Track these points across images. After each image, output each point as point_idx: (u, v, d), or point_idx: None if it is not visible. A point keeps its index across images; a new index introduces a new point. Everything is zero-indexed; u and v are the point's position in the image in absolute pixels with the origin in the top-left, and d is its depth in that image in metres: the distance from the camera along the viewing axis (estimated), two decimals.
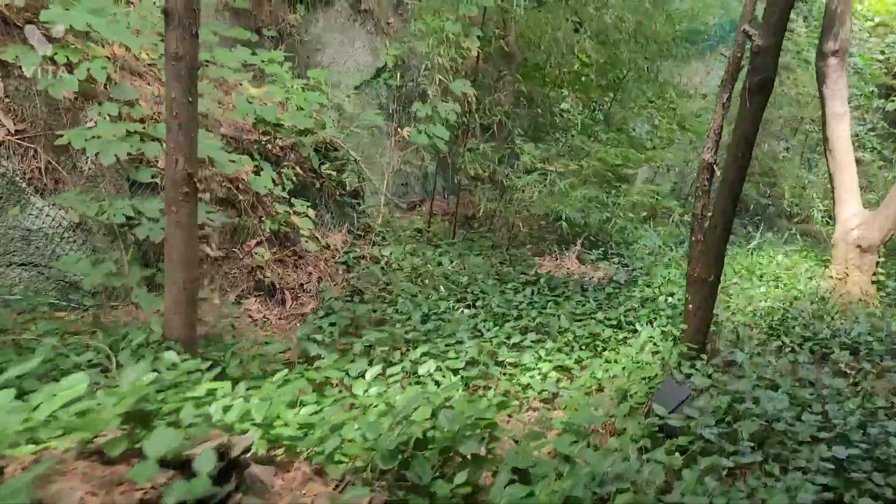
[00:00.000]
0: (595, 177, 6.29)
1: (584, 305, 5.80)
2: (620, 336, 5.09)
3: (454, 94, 6.04)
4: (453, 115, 5.89)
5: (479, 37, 6.16)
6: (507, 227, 6.92)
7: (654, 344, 4.79)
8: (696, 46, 12.77)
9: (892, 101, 14.74)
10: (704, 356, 4.68)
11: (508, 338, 4.41)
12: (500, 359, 4.06)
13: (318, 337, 3.86)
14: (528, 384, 3.71)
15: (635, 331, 5.35)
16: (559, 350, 4.55)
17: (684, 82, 12.83)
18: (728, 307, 6.51)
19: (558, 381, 3.91)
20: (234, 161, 4.17)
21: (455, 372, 3.64)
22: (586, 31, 7.92)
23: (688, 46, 12.21)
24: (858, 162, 14.90)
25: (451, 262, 6.14)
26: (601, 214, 5.64)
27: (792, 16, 13.88)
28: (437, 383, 3.38)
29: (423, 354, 3.78)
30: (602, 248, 8.11)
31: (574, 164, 6.63)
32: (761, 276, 7.70)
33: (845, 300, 7.39)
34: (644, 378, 4.29)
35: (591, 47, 7.13)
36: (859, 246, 7.60)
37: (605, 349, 4.99)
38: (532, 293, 5.80)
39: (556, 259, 7.71)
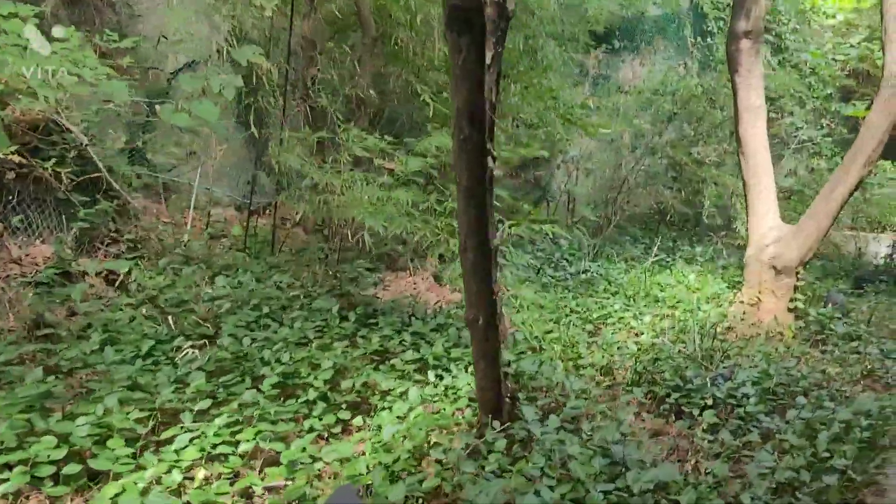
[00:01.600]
0: (419, 177, 4.99)
1: (391, 340, 4.48)
2: (402, 389, 3.77)
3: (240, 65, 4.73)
4: (232, 91, 4.57)
5: None
6: (340, 236, 5.61)
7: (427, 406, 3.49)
8: (631, 41, 11.58)
9: (853, 104, 13.67)
10: (497, 424, 3.39)
11: (194, 400, 3.07)
12: (143, 441, 2.73)
13: None
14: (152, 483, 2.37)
15: (441, 378, 4.06)
16: (293, 416, 3.24)
17: (618, 77, 11.63)
18: (593, 344, 5.21)
19: (207, 479, 2.58)
20: None
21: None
22: None
23: (611, 35, 11.00)
24: (813, 170, 13.79)
25: (236, 281, 4.81)
26: (410, 225, 4.33)
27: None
28: None
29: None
30: None
31: (418, 160, 5.31)
32: (656, 301, 6.40)
33: (754, 331, 6.14)
34: (381, 465, 2.98)
35: None
36: (774, 266, 6.34)
37: (383, 409, 3.69)
38: (323, 326, 4.47)
39: (411, 277, 6.42)
